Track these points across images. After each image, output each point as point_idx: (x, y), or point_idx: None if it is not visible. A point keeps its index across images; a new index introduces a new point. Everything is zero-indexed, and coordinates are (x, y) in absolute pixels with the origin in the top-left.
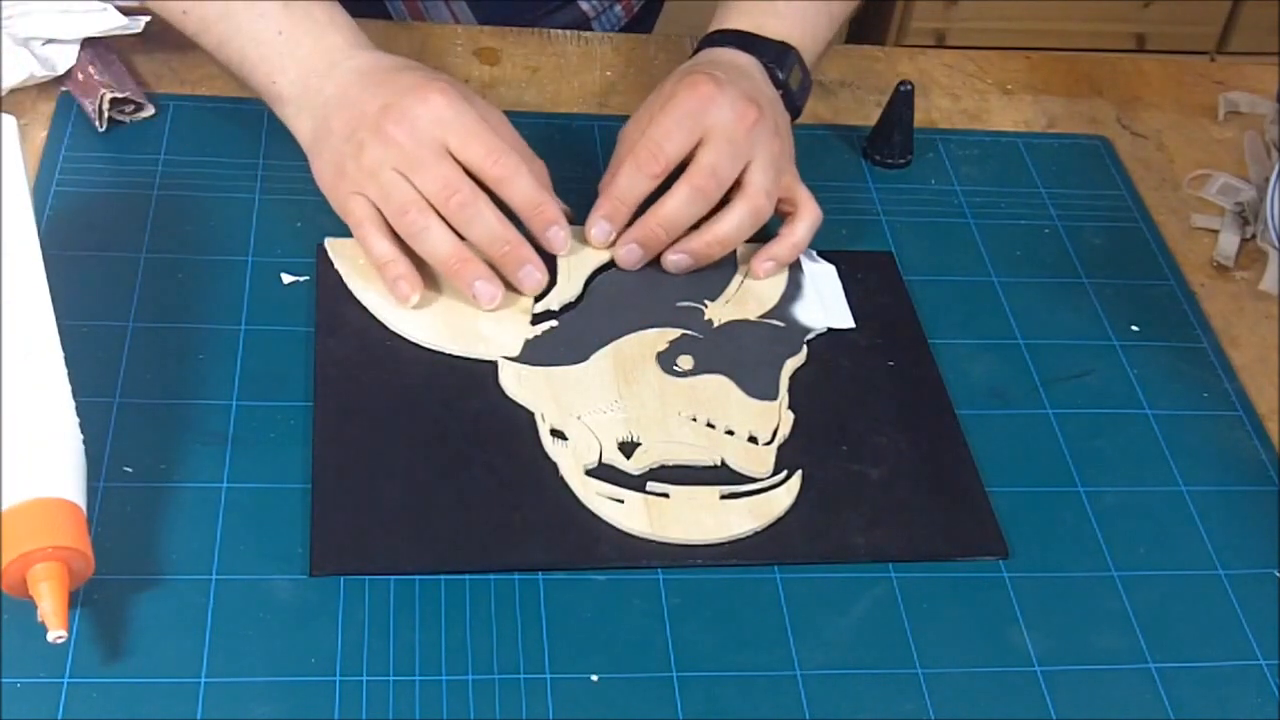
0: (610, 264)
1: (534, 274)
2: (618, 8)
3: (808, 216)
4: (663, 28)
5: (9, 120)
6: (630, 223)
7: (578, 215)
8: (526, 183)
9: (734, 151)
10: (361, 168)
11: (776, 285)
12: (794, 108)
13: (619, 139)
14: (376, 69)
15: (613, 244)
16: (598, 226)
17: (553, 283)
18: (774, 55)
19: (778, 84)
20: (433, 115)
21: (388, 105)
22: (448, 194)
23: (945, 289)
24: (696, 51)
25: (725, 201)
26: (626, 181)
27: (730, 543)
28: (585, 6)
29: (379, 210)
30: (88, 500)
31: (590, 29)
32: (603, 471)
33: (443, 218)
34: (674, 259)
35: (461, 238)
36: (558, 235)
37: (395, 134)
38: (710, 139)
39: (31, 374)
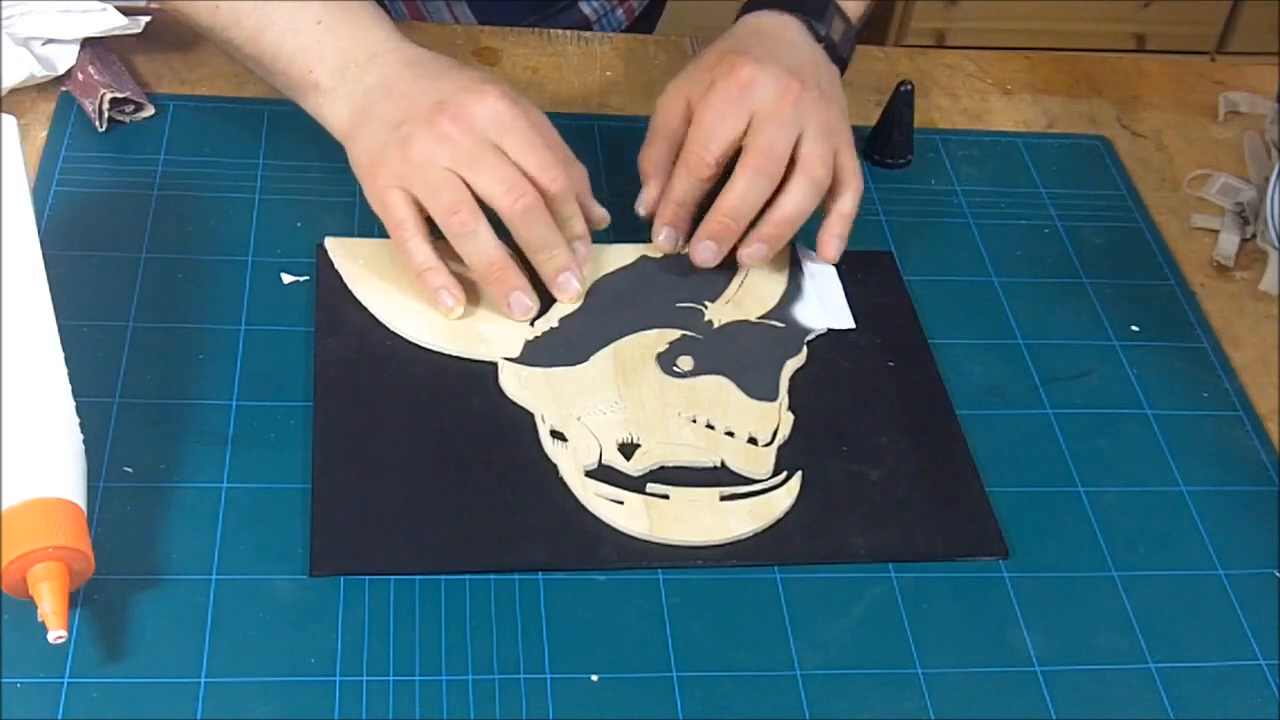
0: (607, 274)
1: (573, 281)
2: (619, 11)
3: (852, 187)
4: (663, 30)
5: (9, 120)
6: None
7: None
8: (572, 201)
9: (783, 126)
10: (408, 160)
11: (776, 286)
12: (839, 59)
13: (657, 107)
14: (423, 61)
15: (681, 247)
16: (663, 234)
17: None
18: (812, 8)
19: (818, 38)
20: (491, 116)
21: (443, 101)
22: (514, 197)
23: (945, 289)
24: (738, 17)
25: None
26: (681, 185)
27: (730, 544)
28: (587, 9)
29: (418, 208)
30: (88, 500)
31: (592, 32)
32: (602, 473)
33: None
34: (749, 252)
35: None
36: (580, 250)
37: (451, 130)
38: (758, 122)
39: (31, 374)
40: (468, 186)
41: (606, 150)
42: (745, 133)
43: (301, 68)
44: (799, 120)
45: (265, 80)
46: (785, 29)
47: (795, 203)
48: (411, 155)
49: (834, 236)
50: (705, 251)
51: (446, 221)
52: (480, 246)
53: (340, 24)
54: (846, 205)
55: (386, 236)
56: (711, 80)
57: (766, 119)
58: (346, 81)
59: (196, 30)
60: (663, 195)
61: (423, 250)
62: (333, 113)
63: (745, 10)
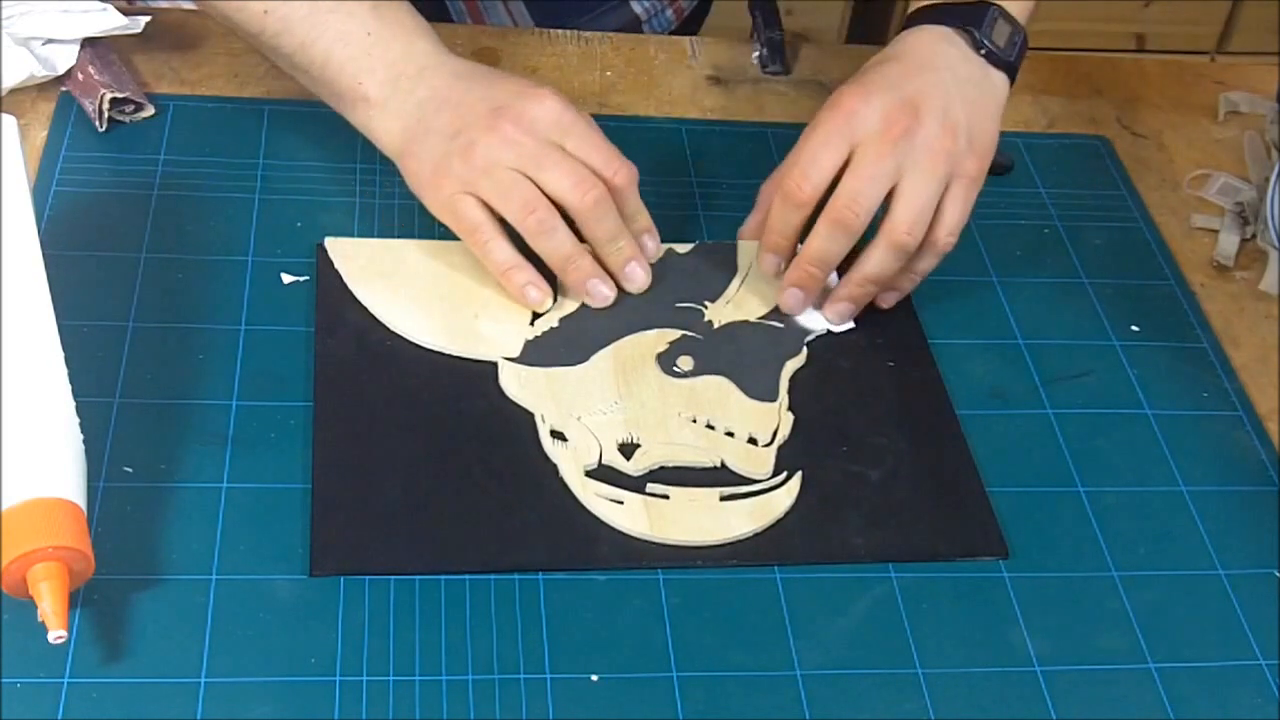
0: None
1: (638, 271)
2: (669, 11)
3: (934, 250)
4: (708, 31)
5: (9, 120)
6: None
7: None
8: (636, 195)
9: (878, 172)
10: (473, 166)
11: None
12: (1005, 65)
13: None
14: (472, 72)
15: (782, 271)
16: (766, 259)
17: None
18: (969, 17)
19: (978, 46)
20: (550, 117)
21: (501, 107)
22: (582, 191)
23: (945, 289)
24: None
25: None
26: (778, 214)
27: (730, 544)
28: (638, 9)
29: (489, 211)
30: (88, 500)
31: (641, 31)
32: (602, 473)
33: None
34: (832, 310)
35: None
36: (649, 243)
37: (513, 133)
38: (855, 158)
39: (31, 374)
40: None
41: None
42: (845, 167)
43: (351, 79)
44: (900, 161)
45: (312, 90)
46: (936, 43)
47: (873, 266)
48: (475, 160)
49: (844, 301)
50: (792, 299)
51: (524, 220)
52: (559, 242)
53: (390, 36)
54: (921, 265)
55: (386, 236)
56: (821, 112)
57: (860, 159)
58: (397, 95)
59: (244, 37)
60: (765, 222)
61: (504, 250)
62: (382, 127)
63: (904, 26)
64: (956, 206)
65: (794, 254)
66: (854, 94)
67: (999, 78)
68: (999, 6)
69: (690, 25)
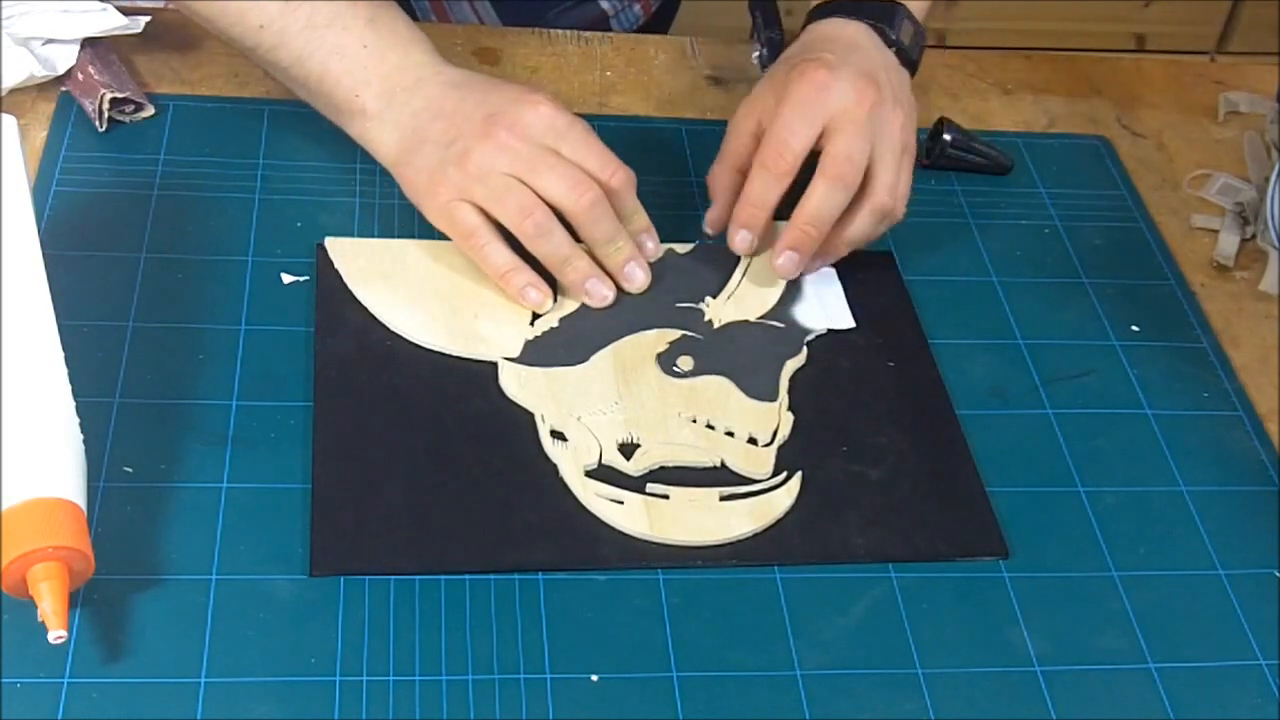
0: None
1: (637, 271)
2: (636, 7)
3: (895, 214)
4: (678, 30)
5: (9, 120)
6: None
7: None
8: (633, 196)
9: (859, 135)
10: (468, 173)
11: (777, 285)
12: (910, 63)
13: (729, 127)
14: (466, 81)
15: (755, 251)
16: (739, 236)
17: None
18: (880, 14)
19: (889, 43)
20: (543, 122)
21: (495, 114)
22: (578, 193)
23: (945, 289)
24: (804, 26)
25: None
26: (759, 186)
27: (730, 544)
28: (604, 5)
29: (487, 217)
30: (88, 500)
31: (609, 28)
32: (602, 473)
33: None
34: (812, 265)
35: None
36: (648, 243)
37: (507, 139)
38: (836, 126)
39: (31, 374)
40: (531, 190)
41: None
42: (822, 137)
43: (348, 91)
44: (872, 130)
45: (308, 102)
46: (855, 35)
47: (859, 228)
48: (470, 168)
49: (831, 255)
50: (788, 262)
51: (521, 224)
52: (556, 244)
53: (386, 48)
54: (878, 231)
55: (386, 236)
56: (787, 84)
57: (843, 125)
58: (393, 107)
59: (240, 50)
60: (739, 198)
61: (502, 253)
62: (379, 139)
63: (812, 17)
64: (905, 179)
65: (767, 228)
66: (821, 66)
67: (905, 73)
68: (904, 6)
69: (659, 22)
